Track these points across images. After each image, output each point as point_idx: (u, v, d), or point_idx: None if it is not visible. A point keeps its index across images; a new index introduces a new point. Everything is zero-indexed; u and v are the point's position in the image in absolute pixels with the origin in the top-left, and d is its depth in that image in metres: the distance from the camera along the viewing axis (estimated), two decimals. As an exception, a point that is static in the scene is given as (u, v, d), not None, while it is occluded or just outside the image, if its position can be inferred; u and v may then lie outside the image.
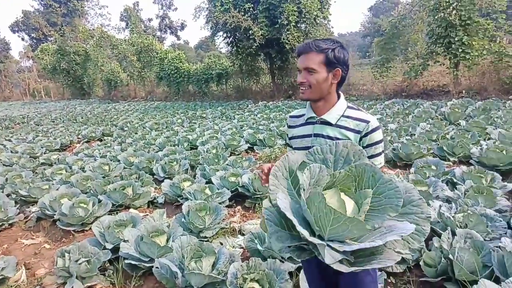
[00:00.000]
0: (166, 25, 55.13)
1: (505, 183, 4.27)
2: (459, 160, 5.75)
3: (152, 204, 5.19)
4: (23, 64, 57.42)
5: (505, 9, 12.55)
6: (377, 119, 1.61)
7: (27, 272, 3.58)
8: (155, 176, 6.13)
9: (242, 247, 3.52)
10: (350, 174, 1.33)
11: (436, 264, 2.78)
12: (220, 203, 4.32)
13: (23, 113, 23.25)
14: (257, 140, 8.10)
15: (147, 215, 4.34)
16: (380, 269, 2.70)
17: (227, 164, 6.17)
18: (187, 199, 4.56)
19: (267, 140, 7.80)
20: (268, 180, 1.45)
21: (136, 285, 3.18)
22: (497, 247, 2.72)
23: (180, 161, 6.36)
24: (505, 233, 3.08)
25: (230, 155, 7.22)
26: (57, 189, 5.25)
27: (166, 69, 25.02)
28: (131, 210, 4.83)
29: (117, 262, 3.34)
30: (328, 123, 1.67)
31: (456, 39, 12.47)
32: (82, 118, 17.21)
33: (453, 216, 3.25)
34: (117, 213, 4.52)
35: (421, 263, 2.82)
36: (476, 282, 2.35)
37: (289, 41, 16.84)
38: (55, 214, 4.50)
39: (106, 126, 13.63)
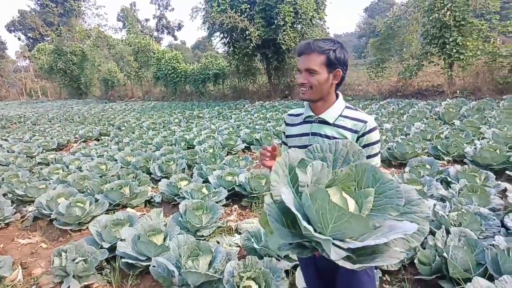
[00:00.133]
0: (163, 26, 55.07)
1: (499, 182, 4.32)
2: (453, 159, 5.80)
3: (149, 203, 5.20)
4: (20, 64, 57.14)
5: (498, 10, 12.65)
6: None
7: (23, 272, 3.57)
8: (152, 176, 6.14)
9: (239, 246, 3.54)
10: (351, 173, 1.33)
11: (431, 262, 2.81)
12: (217, 202, 4.34)
13: (20, 112, 23.10)
14: (254, 140, 8.13)
15: (144, 214, 4.35)
16: (375, 268, 2.73)
17: (224, 164, 6.20)
18: (184, 198, 4.58)
19: (264, 140, 7.82)
20: (266, 162, 1.62)
21: (133, 284, 3.19)
22: (490, 245, 2.76)
23: (177, 161, 6.37)
24: (499, 232, 3.12)
25: (227, 155, 7.25)
26: (54, 189, 5.25)
27: (163, 69, 24.98)
28: (128, 209, 4.83)
29: (114, 261, 3.35)
30: (326, 122, 1.67)
31: (450, 39, 12.56)
32: (79, 117, 17.15)
33: (447, 215, 3.29)
34: (114, 212, 4.53)
35: (415, 261, 2.85)
36: (470, 279, 2.38)
37: (285, 41, 16.90)
38: (52, 214, 4.50)
39: (103, 125, 13.60)
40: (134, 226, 3.58)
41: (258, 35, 17.33)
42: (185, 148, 8.23)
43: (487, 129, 6.78)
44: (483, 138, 6.39)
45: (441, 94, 13.81)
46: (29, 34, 52.83)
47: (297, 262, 2.85)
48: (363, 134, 1.61)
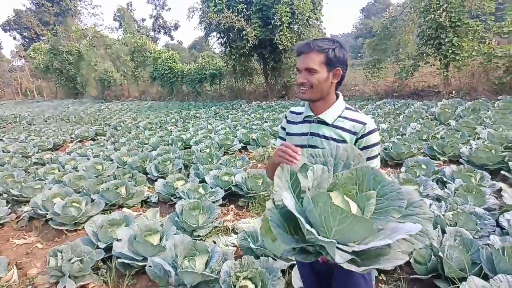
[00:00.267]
0: (160, 25, 54.93)
1: (494, 182, 4.35)
2: (449, 159, 5.84)
3: (146, 203, 5.19)
4: (15, 63, 56.73)
5: (493, 11, 12.73)
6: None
7: (18, 272, 3.55)
8: (148, 176, 6.12)
9: (235, 246, 3.54)
10: (352, 177, 1.33)
11: (426, 261, 2.83)
12: (213, 202, 4.34)
13: (15, 112, 22.95)
14: (251, 140, 8.14)
15: (141, 214, 4.35)
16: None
17: (221, 164, 6.20)
18: (180, 198, 4.57)
19: (260, 140, 7.84)
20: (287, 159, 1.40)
21: (129, 284, 3.18)
22: (485, 244, 2.78)
23: (174, 161, 6.36)
24: (494, 231, 3.14)
25: (224, 155, 7.24)
26: (50, 189, 5.21)
27: (160, 69, 24.95)
28: (125, 209, 4.82)
29: (110, 261, 3.34)
30: (325, 123, 1.65)
31: (446, 40, 12.63)
32: (75, 117, 17.09)
33: (443, 215, 3.31)
34: (110, 212, 4.51)
35: (411, 260, 2.86)
36: (465, 279, 2.39)
37: (282, 41, 16.94)
38: (47, 214, 4.48)
39: (99, 125, 13.57)
40: (130, 226, 3.57)
41: (255, 35, 17.35)
42: (182, 148, 8.22)
43: (483, 129, 6.82)
44: (478, 138, 6.42)
45: (437, 95, 13.89)
46: (24, 34, 52.45)
47: (294, 262, 2.85)
48: (362, 136, 1.59)
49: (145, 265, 3.00)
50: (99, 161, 6.80)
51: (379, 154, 1.67)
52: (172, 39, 58.25)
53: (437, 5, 12.52)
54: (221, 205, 4.66)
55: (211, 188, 4.85)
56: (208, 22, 18.02)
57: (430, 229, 1.28)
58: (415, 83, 15.74)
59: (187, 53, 55.75)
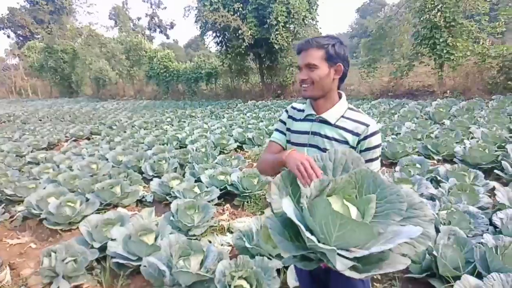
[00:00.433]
0: (155, 24, 54.76)
1: (488, 181, 4.39)
2: (443, 159, 5.87)
3: (141, 202, 5.17)
4: (9, 62, 56.22)
5: (488, 12, 12.86)
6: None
7: (12, 272, 3.52)
8: (143, 175, 6.09)
9: (231, 245, 3.54)
10: (351, 181, 1.32)
11: (421, 260, 2.84)
12: (209, 202, 4.33)
13: (9, 111, 22.72)
14: (246, 139, 8.14)
15: (136, 213, 4.32)
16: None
17: (216, 163, 6.18)
18: (176, 197, 4.55)
19: (256, 139, 7.84)
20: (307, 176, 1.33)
21: (124, 284, 3.16)
22: (479, 243, 2.79)
23: (169, 160, 6.34)
24: (487, 230, 3.16)
25: (219, 154, 7.23)
26: (44, 188, 5.17)
27: (155, 68, 24.84)
28: (120, 208, 4.79)
29: (105, 261, 3.32)
30: (327, 122, 1.63)
31: (440, 40, 12.71)
32: (70, 116, 16.96)
33: (437, 213, 3.33)
34: (105, 212, 4.48)
35: (406, 259, 2.87)
36: (459, 277, 2.40)
37: (278, 41, 16.94)
38: (41, 213, 4.44)
39: (94, 124, 13.47)
40: (125, 226, 3.54)
41: (250, 34, 17.34)
42: (177, 147, 8.19)
43: (477, 128, 6.88)
44: (472, 138, 6.46)
45: (432, 94, 13.98)
46: (18, 32, 51.98)
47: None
48: (365, 138, 1.57)
49: (140, 265, 2.99)
50: (94, 160, 6.75)
51: (380, 156, 1.65)
52: (167, 38, 58.16)
53: (432, 5, 12.59)
54: (216, 205, 4.65)
55: (207, 187, 4.84)
56: (204, 21, 17.98)
57: (431, 231, 1.27)
58: (410, 82, 15.84)
59: (182, 52, 55.58)
